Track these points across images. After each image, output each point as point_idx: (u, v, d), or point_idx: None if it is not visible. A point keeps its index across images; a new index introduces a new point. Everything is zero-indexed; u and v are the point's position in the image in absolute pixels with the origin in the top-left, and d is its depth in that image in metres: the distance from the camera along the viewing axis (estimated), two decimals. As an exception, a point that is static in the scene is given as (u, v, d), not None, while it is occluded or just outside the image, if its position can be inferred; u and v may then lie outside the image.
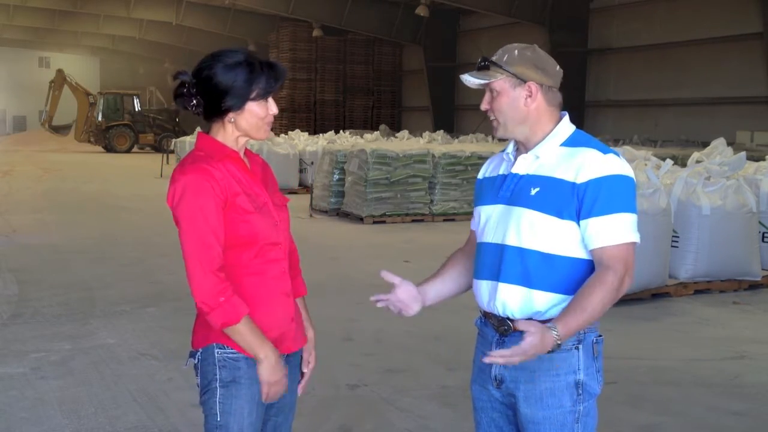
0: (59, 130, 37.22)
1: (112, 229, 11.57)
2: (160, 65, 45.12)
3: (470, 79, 2.31)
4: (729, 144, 9.08)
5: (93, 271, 8.40)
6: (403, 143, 15.98)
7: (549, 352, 2.11)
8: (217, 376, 2.30)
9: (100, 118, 33.84)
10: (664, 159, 8.37)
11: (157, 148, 32.31)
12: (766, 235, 8.22)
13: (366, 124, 33.54)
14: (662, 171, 7.87)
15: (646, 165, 7.90)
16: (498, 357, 2.09)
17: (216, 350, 2.30)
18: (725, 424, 4.46)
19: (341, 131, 24.76)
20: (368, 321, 6.50)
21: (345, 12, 29.30)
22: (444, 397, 4.70)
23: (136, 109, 34.49)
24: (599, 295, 2.12)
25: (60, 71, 36.56)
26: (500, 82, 2.27)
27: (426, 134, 21.33)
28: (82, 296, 7.20)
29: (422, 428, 4.28)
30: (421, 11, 26.26)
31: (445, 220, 12.91)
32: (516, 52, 2.28)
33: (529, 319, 2.20)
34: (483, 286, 2.33)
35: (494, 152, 12.21)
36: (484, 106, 2.33)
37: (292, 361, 2.44)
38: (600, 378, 2.27)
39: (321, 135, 21.91)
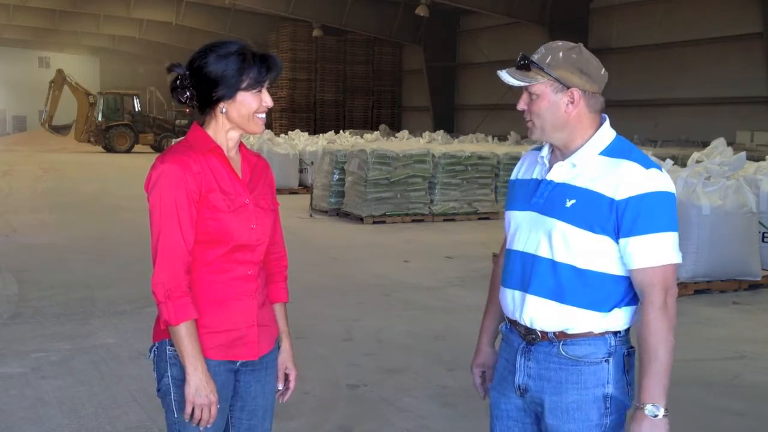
0: (59, 130, 37.22)
1: (112, 229, 11.59)
2: (160, 65, 45.08)
3: (509, 79, 2.18)
4: (729, 144, 9.07)
5: (93, 271, 8.40)
6: (403, 143, 15.99)
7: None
8: (169, 373, 2.26)
9: (100, 118, 33.85)
10: (664, 159, 8.37)
11: (157, 148, 32.33)
12: (766, 235, 8.21)
13: (366, 124, 33.56)
14: (662, 171, 7.86)
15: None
16: None
17: (168, 347, 2.26)
18: (725, 424, 4.46)
19: (341, 131, 24.78)
20: (368, 321, 6.50)
21: (345, 12, 29.30)
22: (444, 397, 4.70)
23: (136, 109, 34.49)
24: (656, 338, 2.09)
25: (60, 71, 36.56)
26: (541, 85, 2.14)
27: (426, 134, 21.36)
28: (82, 296, 7.20)
29: (422, 428, 4.28)
30: (421, 11, 26.27)
31: (445, 220, 12.92)
32: (561, 54, 2.13)
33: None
34: (509, 296, 2.25)
35: (495, 152, 12.16)
36: (520, 107, 2.21)
37: (259, 366, 2.38)
38: (632, 391, 2.18)
39: (321, 135, 21.93)
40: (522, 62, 2.16)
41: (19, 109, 52.10)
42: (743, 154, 8.34)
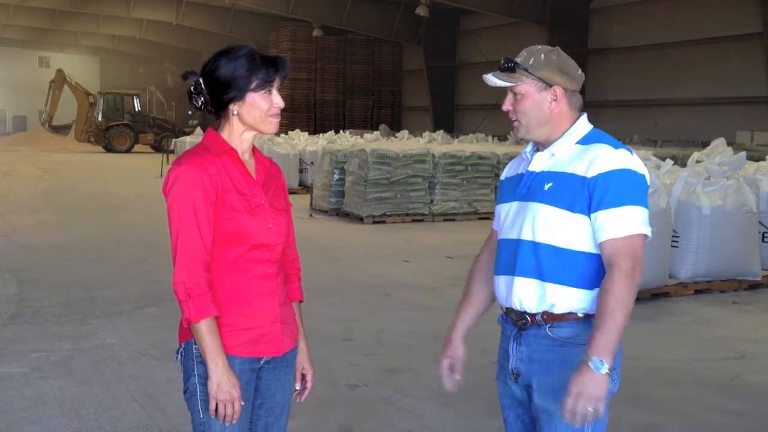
0: (59, 130, 37.21)
1: (112, 229, 11.57)
2: (160, 65, 45.10)
3: (494, 80, 2.34)
4: (729, 144, 9.08)
5: (93, 271, 8.40)
6: (403, 143, 15.98)
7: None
8: (195, 372, 2.29)
9: (100, 118, 33.86)
10: (664, 159, 8.37)
11: (157, 148, 32.33)
12: (766, 235, 8.22)
13: (366, 124, 33.56)
14: (662, 171, 7.87)
15: (645, 165, 7.91)
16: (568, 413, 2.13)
17: (194, 346, 2.30)
18: (725, 424, 4.46)
19: (341, 131, 24.76)
20: (368, 321, 6.50)
21: (345, 12, 29.31)
22: (444, 397, 4.69)
23: (136, 109, 34.50)
24: (616, 299, 2.13)
25: (60, 71, 36.55)
26: (525, 85, 2.31)
27: (426, 134, 21.34)
28: (82, 296, 7.20)
29: (422, 428, 4.28)
30: (421, 11, 26.27)
31: (445, 220, 12.92)
32: (542, 56, 2.31)
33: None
34: (501, 282, 2.38)
35: (495, 152, 12.26)
36: (506, 107, 2.37)
37: (281, 364, 2.42)
38: (615, 377, 2.27)
39: (321, 135, 21.91)
40: (506, 65, 2.33)
41: (19, 109, 52.08)
42: (743, 154, 8.35)
